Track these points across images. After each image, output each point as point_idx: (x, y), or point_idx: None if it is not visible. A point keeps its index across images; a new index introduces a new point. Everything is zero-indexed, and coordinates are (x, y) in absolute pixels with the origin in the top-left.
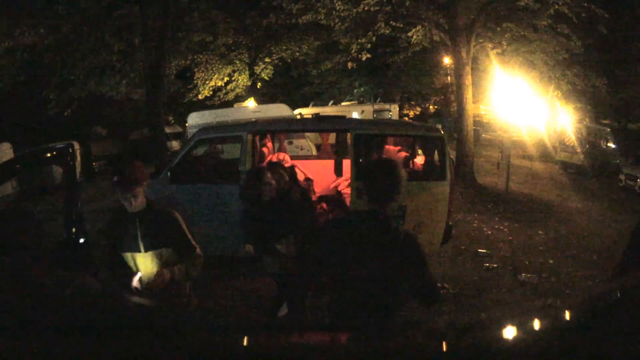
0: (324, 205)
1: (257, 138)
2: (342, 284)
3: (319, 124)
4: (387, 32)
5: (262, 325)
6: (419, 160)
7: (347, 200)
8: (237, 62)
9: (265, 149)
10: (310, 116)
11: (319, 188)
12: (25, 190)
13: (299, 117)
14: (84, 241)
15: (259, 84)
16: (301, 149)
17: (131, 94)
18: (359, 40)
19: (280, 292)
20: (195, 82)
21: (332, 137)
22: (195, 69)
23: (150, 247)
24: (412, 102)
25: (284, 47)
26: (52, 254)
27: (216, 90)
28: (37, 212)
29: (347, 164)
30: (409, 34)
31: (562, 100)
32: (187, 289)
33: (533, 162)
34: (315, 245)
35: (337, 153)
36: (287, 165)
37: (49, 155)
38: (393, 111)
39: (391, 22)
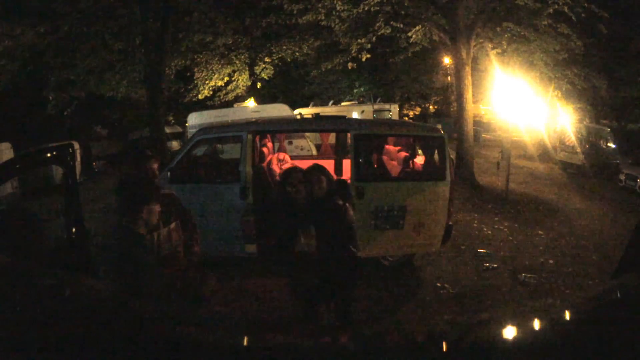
0: None
1: (257, 138)
2: None
3: (319, 124)
4: (387, 32)
5: (262, 325)
6: (419, 160)
7: None
8: (237, 62)
9: (265, 149)
10: (310, 116)
11: None
12: (25, 190)
13: (299, 117)
14: (84, 241)
15: (259, 84)
16: (301, 149)
17: (131, 94)
18: (359, 41)
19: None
20: (195, 82)
21: (332, 137)
22: (195, 69)
23: (165, 222)
24: (412, 102)
25: (284, 47)
26: (52, 254)
27: (216, 90)
28: (37, 212)
29: (347, 164)
30: (409, 34)
31: (562, 100)
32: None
33: (533, 162)
34: None
35: (337, 153)
36: (286, 165)
37: (49, 155)
38: (393, 111)
39: (391, 22)
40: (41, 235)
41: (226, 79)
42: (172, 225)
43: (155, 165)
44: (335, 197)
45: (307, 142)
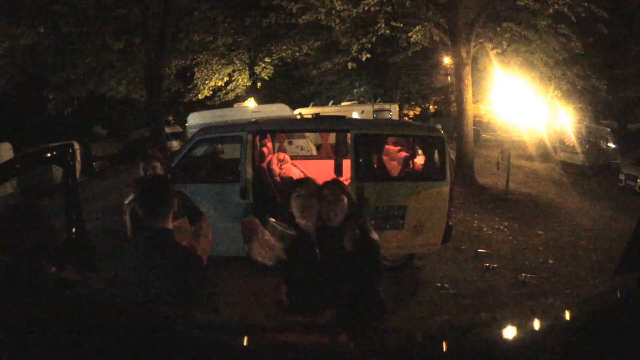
0: None
1: (257, 138)
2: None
3: (319, 124)
4: (387, 32)
5: (262, 326)
6: (419, 160)
7: None
8: (237, 62)
9: (265, 149)
10: (310, 116)
11: None
12: (25, 190)
13: (299, 117)
14: (84, 241)
15: (259, 84)
16: (301, 149)
17: (131, 94)
18: (359, 41)
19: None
20: (195, 82)
21: (332, 137)
22: (195, 69)
23: (173, 219)
24: (412, 102)
25: (284, 47)
26: (59, 251)
27: (216, 90)
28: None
29: (347, 164)
30: (409, 34)
31: (562, 100)
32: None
33: (533, 162)
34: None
35: (337, 153)
36: (286, 165)
37: (49, 155)
38: (393, 111)
39: (391, 22)
40: (51, 231)
41: (226, 79)
42: (179, 221)
43: (157, 164)
44: (363, 228)
45: (307, 142)
